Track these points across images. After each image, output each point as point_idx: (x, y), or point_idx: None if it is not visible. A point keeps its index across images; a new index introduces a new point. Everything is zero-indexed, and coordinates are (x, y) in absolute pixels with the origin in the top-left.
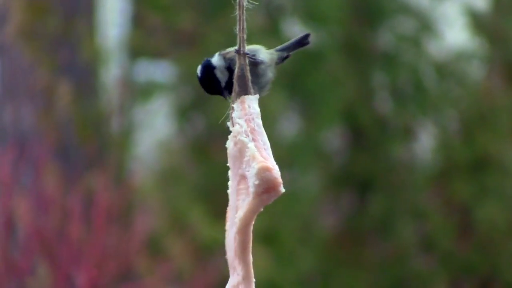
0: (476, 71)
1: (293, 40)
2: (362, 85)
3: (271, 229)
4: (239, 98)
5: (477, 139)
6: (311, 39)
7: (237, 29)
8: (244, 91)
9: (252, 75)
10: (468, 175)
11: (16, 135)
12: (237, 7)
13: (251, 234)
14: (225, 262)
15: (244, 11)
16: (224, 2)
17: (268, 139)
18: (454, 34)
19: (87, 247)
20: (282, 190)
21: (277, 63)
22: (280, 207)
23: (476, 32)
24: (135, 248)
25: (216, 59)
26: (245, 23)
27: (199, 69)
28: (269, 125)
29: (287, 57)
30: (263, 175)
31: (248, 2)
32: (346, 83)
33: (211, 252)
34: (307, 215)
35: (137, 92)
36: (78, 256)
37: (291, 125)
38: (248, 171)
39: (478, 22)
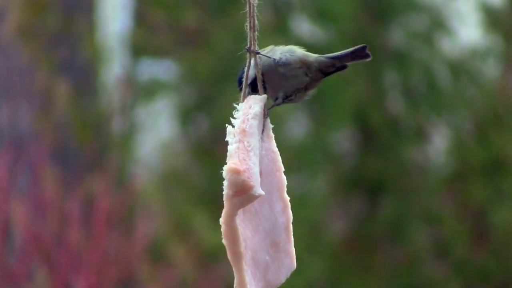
0: (491, 69)
1: (347, 50)
2: (373, 85)
3: None
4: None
5: (493, 140)
6: (368, 51)
7: (248, 27)
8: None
9: (275, 77)
10: (483, 177)
11: (13, 137)
12: (247, 4)
13: (239, 239)
14: (229, 269)
15: (255, 8)
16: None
17: (275, 141)
18: (468, 31)
19: (87, 253)
20: (256, 193)
21: (324, 71)
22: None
23: (490, 29)
24: (137, 254)
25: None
26: (255, 21)
27: None
28: (276, 126)
29: (343, 67)
30: (231, 177)
31: None
32: (357, 82)
33: (215, 259)
34: (315, 220)
35: (139, 92)
36: (77, 262)
37: (299, 127)
38: None
39: (493, 18)
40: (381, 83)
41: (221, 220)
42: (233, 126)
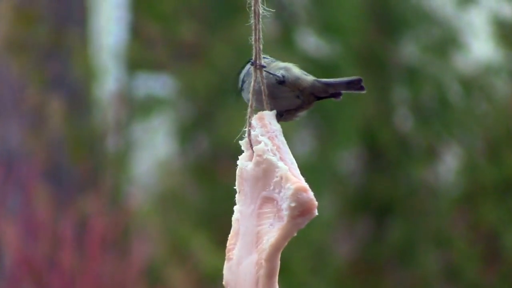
0: (504, 85)
1: (343, 79)
2: (381, 101)
3: (281, 257)
4: (256, 114)
5: (506, 159)
6: (363, 84)
7: (253, 39)
8: (262, 107)
9: (273, 94)
10: (495, 198)
11: (3, 155)
12: (252, 15)
13: (279, 262)
14: None
15: (260, 20)
16: (231, 11)
17: None
18: (481, 46)
19: (80, 276)
20: (316, 212)
21: (313, 93)
22: None
23: (504, 43)
24: (132, 278)
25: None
26: (261, 33)
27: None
28: None
29: (337, 94)
30: (300, 196)
31: (264, 10)
32: (364, 99)
33: (214, 282)
34: (320, 243)
35: (135, 108)
36: (70, 286)
37: (303, 145)
38: (278, 193)
39: (507, 33)
40: (390, 99)
41: (272, 242)
42: (250, 144)
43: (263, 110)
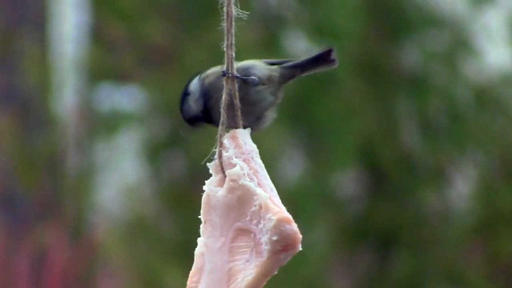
0: None
1: (310, 55)
2: (384, 115)
3: None
4: (228, 133)
5: None
6: (335, 55)
7: (225, 45)
8: (234, 123)
9: (243, 102)
10: None
11: None
12: (226, 17)
13: None
14: None
15: (233, 23)
16: (208, 11)
17: None
18: (497, 52)
19: None
20: (300, 247)
21: (282, 82)
22: (281, 269)
23: None
24: None
25: (194, 83)
26: (233, 38)
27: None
28: (267, 165)
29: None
30: (283, 228)
31: (239, 12)
32: (364, 112)
33: None
34: (314, 279)
35: (99, 125)
36: None
37: (294, 166)
38: (256, 224)
39: None
40: (393, 113)
41: (249, 281)
42: (220, 167)
43: (236, 127)
